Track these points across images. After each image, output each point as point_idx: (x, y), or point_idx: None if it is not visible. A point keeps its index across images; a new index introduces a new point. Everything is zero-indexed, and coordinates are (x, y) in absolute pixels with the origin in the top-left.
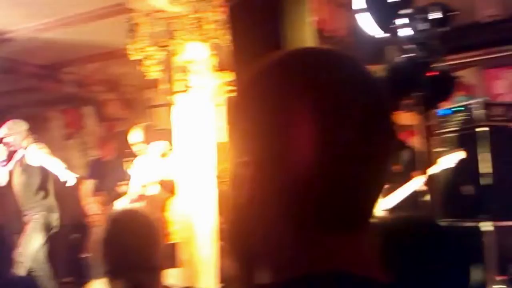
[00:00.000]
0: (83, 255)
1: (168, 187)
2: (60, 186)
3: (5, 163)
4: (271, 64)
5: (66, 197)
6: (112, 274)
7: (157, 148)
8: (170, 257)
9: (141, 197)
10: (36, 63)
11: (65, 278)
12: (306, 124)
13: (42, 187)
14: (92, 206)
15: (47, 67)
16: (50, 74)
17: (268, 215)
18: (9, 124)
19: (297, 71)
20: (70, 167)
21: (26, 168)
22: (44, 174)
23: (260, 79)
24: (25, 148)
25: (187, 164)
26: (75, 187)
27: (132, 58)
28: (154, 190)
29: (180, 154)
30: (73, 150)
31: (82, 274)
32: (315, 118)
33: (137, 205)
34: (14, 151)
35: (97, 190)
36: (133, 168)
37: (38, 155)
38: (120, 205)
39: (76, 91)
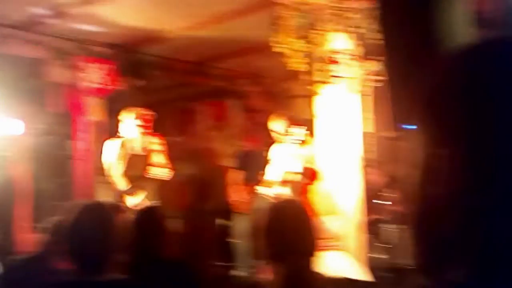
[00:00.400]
0: (230, 240)
1: (308, 175)
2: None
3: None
4: (468, 58)
5: (214, 185)
6: (274, 258)
7: (296, 137)
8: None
9: (283, 184)
10: (188, 59)
11: (219, 262)
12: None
13: None
14: (239, 194)
15: (197, 63)
16: (200, 69)
17: (466, 206)
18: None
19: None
20: (218, 158)
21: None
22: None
23: (457, 74)
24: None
25: (331, 153)
26: (224, 176)
27: (276, 50)
28: (295, 177)
29: (323, 143)
30: (219, 141)
31: (229, 258)
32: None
33: (281, 192)
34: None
35: (244, 179)
36: (274, 157)
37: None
38: (264, 193)
39: (222, 84)
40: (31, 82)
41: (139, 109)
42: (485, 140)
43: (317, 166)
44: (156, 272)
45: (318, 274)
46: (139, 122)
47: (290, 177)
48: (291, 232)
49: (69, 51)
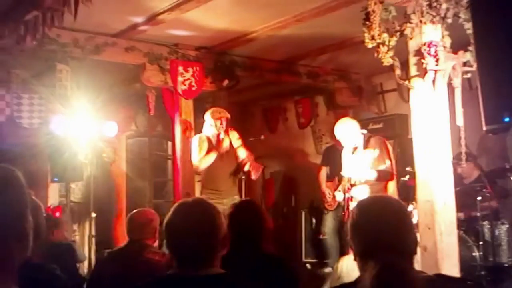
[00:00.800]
0: (320, 237)
1: (384, 174)
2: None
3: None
4: None
5: (301, 182)
6: (365, 255)
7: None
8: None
9: (365, 183)
10: (274, 59)
11: (307, 259)
12: None
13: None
14: (327, 191)
15: (284, 62)
16: (287, 68)
17: None
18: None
19: None
20: (305, 154)
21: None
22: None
23: None
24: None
25: (426, 147)
26: (311, 173)
27: (368, 45)
28: (372, 176)
29: (419, 137)
30: (308, 138)
31: (321, 255)
32: None
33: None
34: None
35: (331, 176)
36: (353, 155)
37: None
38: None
39: (309, 82)
40: (129, 87)
41: (218, 109)
42: None
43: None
44: (255, 266)
45: (414, 272)
46: (217, 122)
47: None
48: (382, 228)
49: (163, 55)
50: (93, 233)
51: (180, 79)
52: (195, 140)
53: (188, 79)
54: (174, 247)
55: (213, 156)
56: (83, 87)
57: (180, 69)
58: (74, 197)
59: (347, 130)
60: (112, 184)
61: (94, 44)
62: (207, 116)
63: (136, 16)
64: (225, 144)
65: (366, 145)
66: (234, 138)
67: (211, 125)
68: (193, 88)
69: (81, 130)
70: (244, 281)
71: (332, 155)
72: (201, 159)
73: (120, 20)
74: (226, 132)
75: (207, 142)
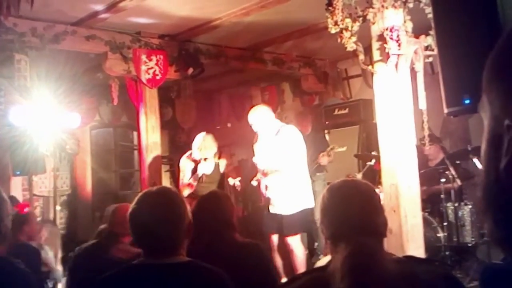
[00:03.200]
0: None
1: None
2: None
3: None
4: None
5: None
6: (335, 238)
7: None
8: None
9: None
10: (239, 46)
11: None
12: None
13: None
14: None
15: (249, 49)
16: (252, 55)
17: None
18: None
19: None
20: None
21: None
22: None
23: None
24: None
25: (390, 132)
26: None
27: (332, 31)
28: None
29: (383, 122)
30: None
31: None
32: None
33: None
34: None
35: None
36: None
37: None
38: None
39: (275, 69)
40: (91, 77)
41: (209, 140)
42: None
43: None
44: (228, 254)
45: (383, 254)
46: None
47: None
48: (352, 211)
49: (125, 44)
50: (58, 226)
51: (143, 68)
52: (181, 162)
53: (152, 67)
54: (139, 237)
55: (187, 191)
56: (44, 78)
57: (143, 57)
58: (38, 191)
59: (257, 117)
60: (76, 177)
61: (53, 33)
62: (199, 140)
63: (96, 4)
64: (208, 170)
65: (276, 133)
66: (222, 165)
67: (198, 150)
68: (157, 77)
69: (42, 122)
70: (208, 267)
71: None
72: (182, 187)
73: (79, 8)
74: (219, 156)
75: (191, 165)
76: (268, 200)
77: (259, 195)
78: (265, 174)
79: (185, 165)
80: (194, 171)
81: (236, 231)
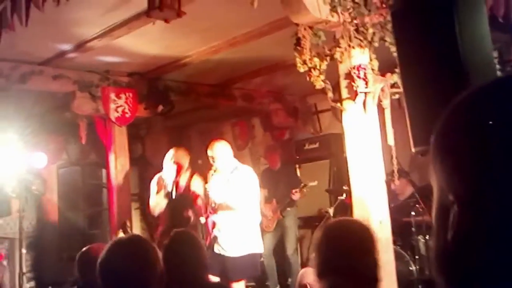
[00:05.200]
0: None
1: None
2: None
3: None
4: (477, 96)
5: None
6: (318, 275)
7: None
8: None
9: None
10: (209, 82)
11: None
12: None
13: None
14: (265, 212)
15: (218, 86)
16: (222, 91)
17: (476, 252)
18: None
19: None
20: None
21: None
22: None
23: (463, 113)
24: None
25: (360, 167)
26: None
27: (301, 70)
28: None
29: (353, 158)
30: (246, 160)
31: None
32: None
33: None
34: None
35: (269, 198)
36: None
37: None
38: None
39: (245, 104)
40: (59, 116)
41: (178, 150)
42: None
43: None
44: None
45: None
46: (175, 163)
47: None
48: (344, 251)
49: (93, 83)
50: (24, 270)
51: (112, 106)
52: (153, 181)
53: (121, 106)
54: (109, 287)
55: (163, 202)
56: (10, 117)
57: (112, 96)
58: (3, 233)
59: (218, 151)
60: (43, 217)
61: (19, 73)
62: (170, 153)
63: (64, 44)
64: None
65: (232, 171)
66: (195, 182)
67: (171, 160)
68: (127, 115)
69: (7, 163)
70: None
71: (269, 177)
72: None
73: (46, 48)
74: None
75: (159, 182)
76: (214, 239)
77: (205, 234)
78: (215, 211)
79: (152, 186)
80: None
81: (208, 272)
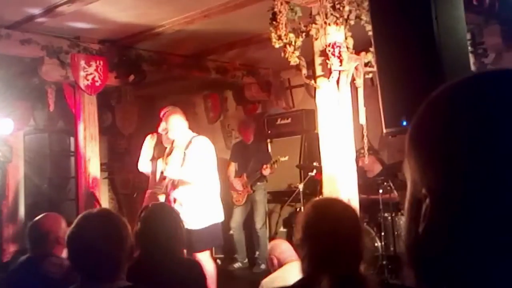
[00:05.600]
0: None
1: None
2: None
3: None
4: (452, 92)
5: None
6: (317, 259)
7: None
8: None
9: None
10: (182, 53)
11: (217, 254)
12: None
13: None
14: (236, 185)
15: (192, 57)
16: (195, 63)
17: (446, 246)
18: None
19: (475, 103)
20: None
21: None
22: None
23: (438, 108)
24: None
25: (331, 145)
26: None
27: (275, 45)
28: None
29: (324, 135)
30: (217, 133)
31: (229, 250)
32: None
33: None
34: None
35: (239, 171)
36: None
37: None
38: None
39: (218, 77)
40: (27, 81)
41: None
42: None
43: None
44: (179, 271)
45: (368, 280)
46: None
47: None
48: (344, 234)
49: (63, 49)
50: None
51: (82, 73)
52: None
53: (91, 73)
54: (78, 262)
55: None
56: None
57: (82, 63)
58: None
59: (173, 124)
60: (8, 184)
61: None
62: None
63: (33, 8)
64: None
65: (187, 145)
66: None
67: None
68: (97, 83)
69: None
70: None
71: (240, 151)
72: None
73: (15, 11)
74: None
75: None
76: None
77: None
78: (174, 187)
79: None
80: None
81: (182, 247)
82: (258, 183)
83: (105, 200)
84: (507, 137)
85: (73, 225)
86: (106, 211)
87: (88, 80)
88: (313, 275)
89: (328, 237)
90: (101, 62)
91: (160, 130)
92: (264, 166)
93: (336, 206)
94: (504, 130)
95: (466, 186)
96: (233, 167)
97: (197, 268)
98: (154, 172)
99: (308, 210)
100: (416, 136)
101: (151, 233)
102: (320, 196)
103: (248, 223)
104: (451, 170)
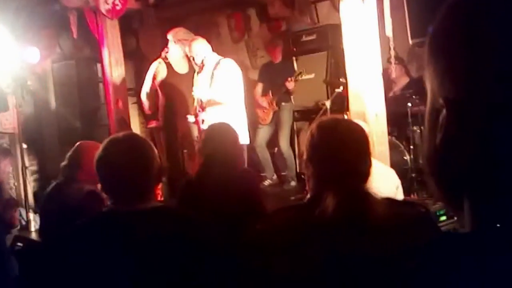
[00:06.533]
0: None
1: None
2: None
3: None
4: None
5: None
6: (325, 179)
7: None
8: None
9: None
10: None
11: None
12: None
13: None
14: (263, 103)
15: None
16: None
17: (463, 155)
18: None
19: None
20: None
21: None
22: None
23: (457, 15)
24: None
25: (357, 59)
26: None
27: None
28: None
29: (350, 50)
30: (243, 52)
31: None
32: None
33: None
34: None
35: (265, 91)
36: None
37: None
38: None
39: None
40: (49, 9)
41: (180, 30)
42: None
43: None
44: (227, 185)
45: (373, 197)
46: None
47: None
48: (348, 156)
49: None
50: (26, 164)
51: None
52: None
53: None
54: (108, 184)
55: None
56: None
57: None
58: (2, 128)
59: (198, 49)
60: (41, 113)
61: None
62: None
63: None
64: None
65: (215, 66)
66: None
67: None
68: (117, 7)
69: (0, 59)
70: (182, 213)
71: (268, 71)
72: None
73: None
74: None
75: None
76: None
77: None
78: (203, 108)
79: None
80: None
81: (238, 162)
82: (283, 103)
83: (135, 125)
84: None
85: (99, 150)
86: (132, 135)
87: (108, 4)
88: (318, 193)
89: (331, 158)
90: None
91: (169, 54)
92: (289, 79)
93: (341, 126)
94: None
95: (487, 96)
96: (260, 87)
97: (252, 182)
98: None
99: (312, 131)
100: (435, 42)
101: (212, 147)
102: (345, 114)
103: (274, 144)
104: (471, 79)
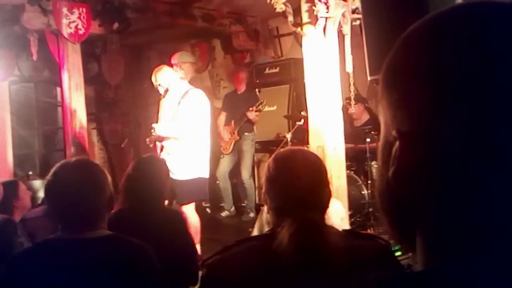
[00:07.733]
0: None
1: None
2: None
3: None
4: (426, 27)
5: None
6: (281, 211)
7: None
8: None
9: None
10: (167, 0)
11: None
12: (464, 98)
13: None
14: (224, 135)
15: (178, 4)
16: (181, 10)
17: (416, 189)
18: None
19: (455, 36)
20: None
21: None
22: None
23: (411, 47)
24: None
25: (317, 94)
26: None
27: None
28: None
29: (311, 84)
30: (206, 82)
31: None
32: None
33: None
34: None
35: (228, 121)
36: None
37: None
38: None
39: (205, 25)
40: (9, 30)
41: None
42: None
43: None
44: (159, 222)
45: (329, 229)
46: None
47: None
48: (301, 184)
49: None
50: None
51: (64, 21)
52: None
53: (74, 21)
54: (57, 210)
55: None
56: None
57: (64, 10)
58: None
59: (164, 77)
60: None
61: None
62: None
63: None
64: None
65: (183, 95)
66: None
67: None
68: (80, 32)
69: None
70: (131, 241)
71: (231, 101)
72: None
73: None
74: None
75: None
76: None
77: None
78: (160, 140)
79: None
80: None
81: (165, 198)
82: (246, 133)
83: (94, 151)
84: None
85: (50, 174)
86: (84, 160)
87: (71, 28)
88: (276, 225)
89: (286, 190)
90: (84, 9)
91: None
92: (250, 109)
93: (296, 157)
94: (501, 67)
95: (440, 129)
96: (223, 117)
97: (180, 219)
98: None
99: (269, 164)
100: (388, 75)
101: (138, 184)
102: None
103: (235, 174)
104: (424, 110)
